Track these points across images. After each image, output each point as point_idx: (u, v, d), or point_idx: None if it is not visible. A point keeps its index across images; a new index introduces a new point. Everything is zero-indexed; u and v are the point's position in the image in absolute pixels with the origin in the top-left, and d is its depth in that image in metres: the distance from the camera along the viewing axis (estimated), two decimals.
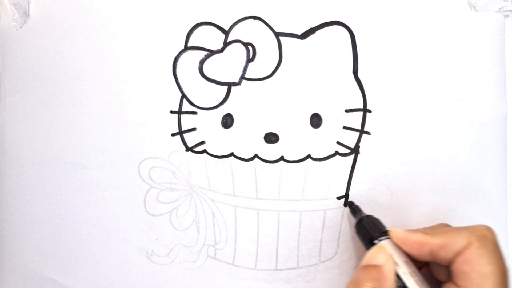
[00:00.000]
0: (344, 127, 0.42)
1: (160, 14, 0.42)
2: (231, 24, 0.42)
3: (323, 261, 0.42)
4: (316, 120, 0.42)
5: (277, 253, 0.42)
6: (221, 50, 0.42)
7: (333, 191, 0.42)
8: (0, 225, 0.43)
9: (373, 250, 0.35)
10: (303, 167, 0.42)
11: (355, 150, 0.42)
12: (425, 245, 0.34)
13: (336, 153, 0.42)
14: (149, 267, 0.42)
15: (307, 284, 0.42)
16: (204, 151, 0.42)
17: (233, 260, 0.42)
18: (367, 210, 0.41)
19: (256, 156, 0.42)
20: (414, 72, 0.42)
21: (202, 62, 0.42)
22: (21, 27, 0.42)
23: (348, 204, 0.41)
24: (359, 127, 0.42)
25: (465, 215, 0.42)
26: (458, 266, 0.33)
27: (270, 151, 0.42)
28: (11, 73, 0.43)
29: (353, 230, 0.42)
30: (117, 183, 0.42)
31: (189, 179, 0.42)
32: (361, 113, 0.42)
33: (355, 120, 0.42)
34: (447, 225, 0.37)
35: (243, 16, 0.42)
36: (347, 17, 0.41)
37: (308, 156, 0.42)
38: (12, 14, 0.42)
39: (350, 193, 0.42)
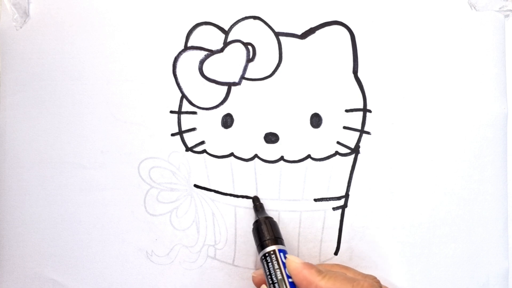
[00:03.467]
0: (344, 127, 0.42)
1: (160, 14, 0.42)
2: (231, 24, 0.42)
3: (323, 261, 0.42)
4: (316, 120, 0.42)
5: None
6: (221, 50, 0.42)
7: (333, 191, 0.42)
8: (0, 225, 0.43)
9: None
10: (303, 167, 0.42)
11: (355, 150, 0.42)
12: (312, 285, 0.34)
13: (336, 153, 0.42)
14: (149, 267, 0.42)
15: None
16: (204, 151, 0.42)
17: (233, 260, 0.42)
18: (367, 210, 0.41)
19: (256, 156, 0.42)
20: (414, 72, 0.41)
21: (202, 62, 0.42)
22: (21, 27, 0.42)
23: (253, 199, 0.41)
24: (359, 127, 0.42)
25: (465, 215, 0.42)
26: None
27: (270, 151, 0.42)
28: (11, 73, 0.43)
29: (353, 230, 0.42)
30: (117, 183, 0.42)
31: (189, 179, 0.42)
32: (361, 113, 0.42)
33: (355, 120, 0.42)
34: (345, 268, 0.37)
35: (243, 16, 0.42)
36: (347, 17, 0.41)
37: (308, 156, 0.42)
38: (12, 14, 0.42)
39: (350, 193, 0.42)
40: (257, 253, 0.38)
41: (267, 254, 0.36)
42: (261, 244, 0.37)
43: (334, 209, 0.42)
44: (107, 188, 0.42)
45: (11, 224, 0.43)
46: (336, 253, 0.42)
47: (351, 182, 0.42)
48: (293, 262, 0.35)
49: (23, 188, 0.43)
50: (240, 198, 0.42)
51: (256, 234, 0.38)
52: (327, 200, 0.42)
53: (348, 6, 0.41)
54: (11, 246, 0.43)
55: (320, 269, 0.35)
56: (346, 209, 0.42)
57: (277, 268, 0.35)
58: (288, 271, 0.35)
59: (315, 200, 0.42)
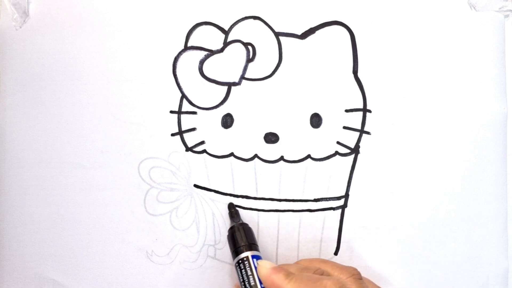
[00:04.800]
0: (344, 127, 0.42)
1: (160, 14, 0.42)
2: (231, 24, 0.42)
3: None
4: (316, 120, 0.42)
5: (277, 253, 0.42)
6: (221, 50, 0.42)
7: (333, 191, 0.42)
8: (0, 225, 0.43)
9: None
10: (303, 167, 0.42)
11: (355, 150, 0.42)
12: None
13: (336, 153, 0.42)
14: (149, 267, 0.42)
15: None
16: (204, 151, 0.42)
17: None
18: (367, 210, 0.41)
19: (256, 156, 0.42)
20: (414, 72, 0.42)
21: (202, 62, 0.42)
22: (20, 27, 0.42)
23: (228, 206, 0.41)
24: (359, 127, 0.42)
25: (465, 215, 0.42)
26: None
27: (270, 151, 0.42)
28: (11, 73, 0.43)
29: (353, 230, 0.42)
30: (117, 183, 0.42)
31: (189, 179, 0.42)
32: (361, 113, 0.42)
33: (355, 120, 0.42)
34: (324, 262, 0.37)
35: (243, 16, 0.42)
36: (347, 17, 0.41)
37: (308, 156, 0.42)
38: (12, 14, 0.42)
39: (350, 193, 0.42)
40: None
41: (240, 261, 0.37)
42: (235, 251, 0.38)
43: (334, 209, 0.42)
44: (107, 188, 0.42)
45: (11, 224, 0.43)
46: (336, 253, 0.42)
47: (351, 182, 0.42)
48: (263, 268, 0.35)
49: (23, 188, 0.43)
50: (240, 198, 0.42)
51: (231, 241, 0.39)
52: (327, 200, 0.42)
53: (348, 6, 0.41)
54: (11, 246, 0.43)
55: (290, 272, 0.34)
56: (346, 209, 0.42)
57: (250, 275, 0.36)
58: (259, 277, 0.35)
59: (315, 200, 0.42)
